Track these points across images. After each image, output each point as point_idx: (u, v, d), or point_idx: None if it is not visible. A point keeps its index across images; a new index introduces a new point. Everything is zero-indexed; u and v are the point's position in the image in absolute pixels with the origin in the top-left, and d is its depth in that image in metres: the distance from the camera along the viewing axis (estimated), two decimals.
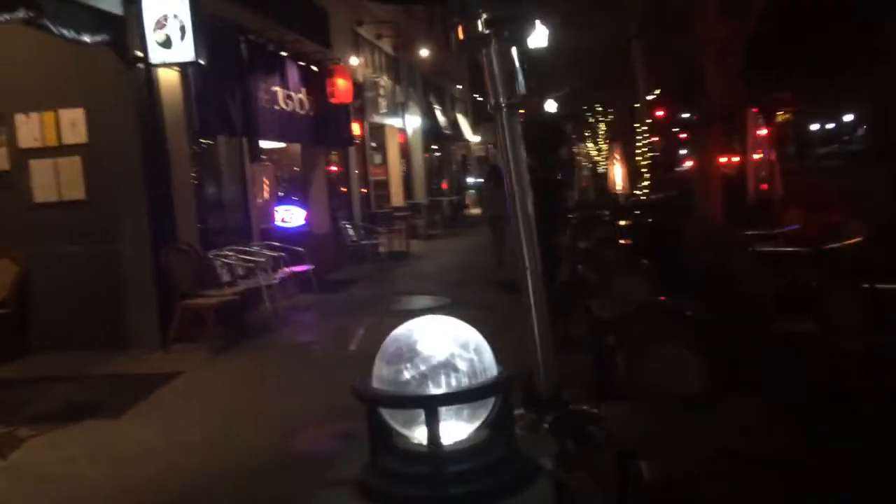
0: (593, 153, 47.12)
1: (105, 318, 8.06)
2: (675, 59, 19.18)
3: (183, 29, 7.95)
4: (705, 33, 10.93)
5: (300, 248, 10.66)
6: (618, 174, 19.29)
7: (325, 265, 12.39)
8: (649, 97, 20.40)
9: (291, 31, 12.15)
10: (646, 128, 20.56)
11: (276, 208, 13.07)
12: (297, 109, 12.19)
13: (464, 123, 30.45)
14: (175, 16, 7.93)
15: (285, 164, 13.93)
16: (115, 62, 7.91)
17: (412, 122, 21.31)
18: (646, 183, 19.64)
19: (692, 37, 11.88)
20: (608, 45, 22.69)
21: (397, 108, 20.02)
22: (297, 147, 13.84)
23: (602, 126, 38.92)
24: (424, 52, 21.05)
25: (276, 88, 11.41)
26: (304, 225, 13.61)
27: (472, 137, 31.84)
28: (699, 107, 12.51)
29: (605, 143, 36.72)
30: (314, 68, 12.84)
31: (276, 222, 12.26)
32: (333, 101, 13.21)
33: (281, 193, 13.26)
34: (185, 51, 7.98)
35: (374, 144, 17.90)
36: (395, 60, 20.06)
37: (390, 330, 1.35)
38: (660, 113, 22.33)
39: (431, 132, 23.62)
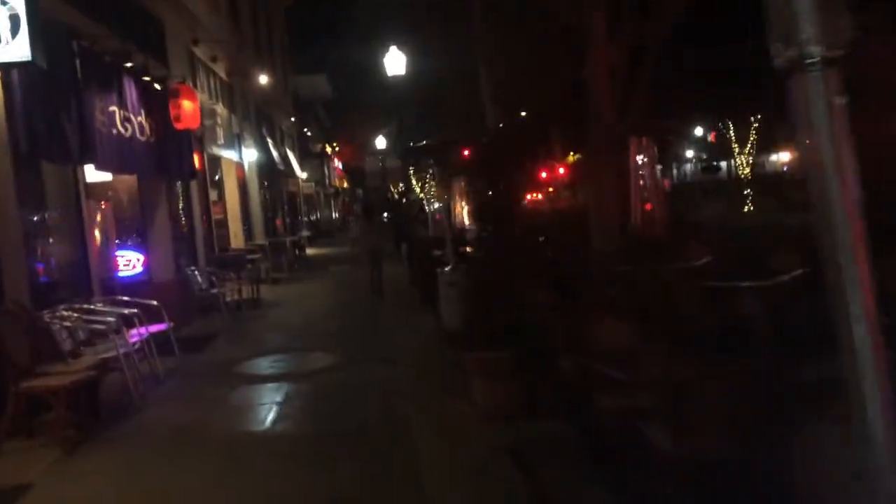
0: (419, 193, 46.94)
1: None
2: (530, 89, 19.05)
3: (15, 20, 5.96)
4: (597, 60, 10.38)
5: (153, 302, 8.63)
6: (461, 210, 18.64)
7: (172, 319, 10.33)
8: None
9: (128, 42, 10.17)
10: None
11: (116, 254, 10.84)
12: (137, 135, 10.14)
13: (293, 159, 28.70)
14: (4, 2, 5.93)
15: (119, 201, 11.66)
16: None
17: (249, 155, 19.40)
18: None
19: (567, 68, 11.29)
20: (452, 75, 22.19)
21: (234, 140, 18.07)
22: (130, 180, 11.64)
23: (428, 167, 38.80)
24: (262, 79, 19.30)
25: (114, 108, 9.35)
26: (142, 273, 11.43)
27: (301, 173, 30.13)
28: (586, 135, 12.03)
29: (432, 181, 36.62)
30: (157, 87, 10.85)
31: (117, 271, 10.07)
32: (178, 125, 11.25)
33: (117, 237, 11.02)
34: (17, 48, 5.98)
35: (215, 178, 15.84)
36: (229, 87, 18.14)
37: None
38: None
39: (266, 167, 21.75)
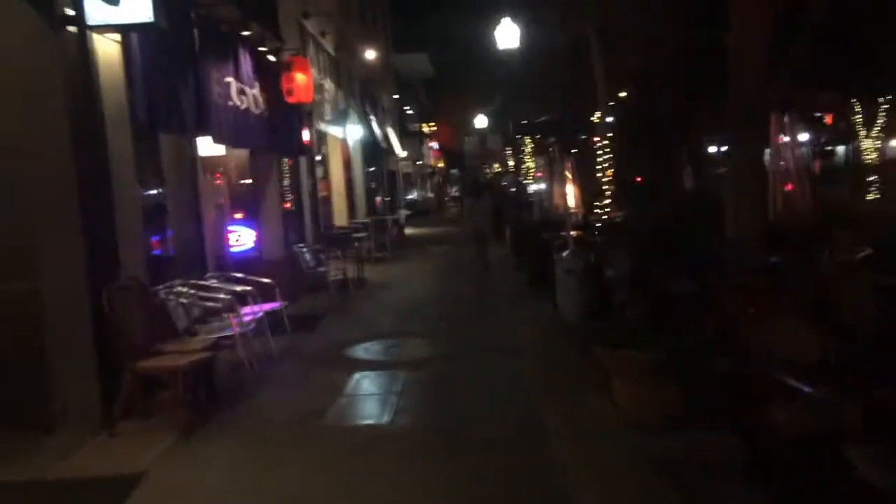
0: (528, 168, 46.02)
1: (21, 386, 5.62)
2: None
3: None
4: (746, 20, 9.36)
5: (267, 280, 8.38)
6: (569, 193, 17.80)
7: (283, 297, 10.11)
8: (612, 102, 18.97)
9: (244, 12, 9.92)
10: (606, 141, 19.22)
11: (228, 230, 10.73)
12: (252, 107, 9.90)
13: (393, 137, 28.49)
14: None
15: (231, 176, 11.55)
16: (35, 22, 5.55)
17: (353, 132, 19.17)
18: (607, 201, 18.24)
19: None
20: (555, 49, 21.25)
21: (340, 116, 17.86)
22: (241, 155, 11.49)
23: (528, 143, 37.81)
24: (369, 54, 19.00)
25: (230, 79, 9.11)
26: (252, 249, 11.28)
27: (401, 152, 29.89)
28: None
29: (532, 160, 35.63)
30: (271, 58, 10.60)
31: (229, 247, 9.92)
32: (290, 99, 11.00)
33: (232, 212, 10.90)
34: (139, 8, 5.69)
35: (318, 156, 15.65)
36: (336, 63, 17.92)
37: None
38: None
39: (369, 144, 21.53)
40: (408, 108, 35.92)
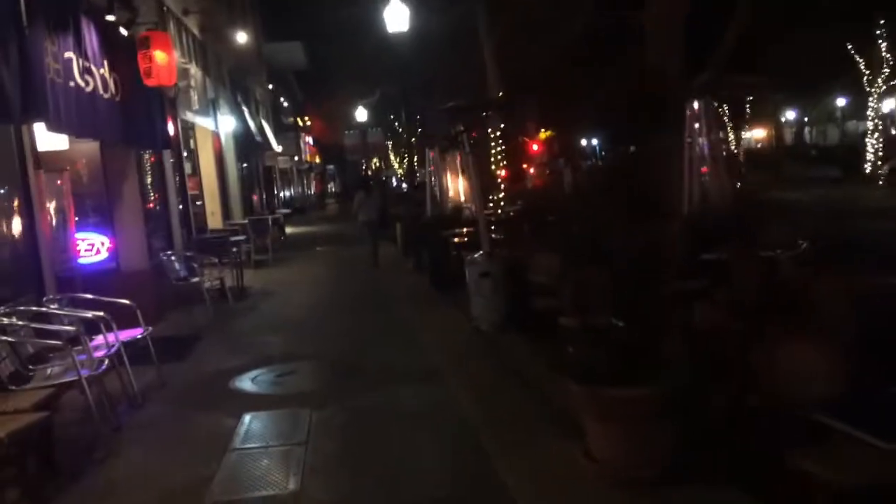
0: (396, 166, 44.70)
1: None
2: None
3: None
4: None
5: (126, 302, 6.76)
6: (459, 186, 16.83)
7: (147, 318, 8.45)
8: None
9: None
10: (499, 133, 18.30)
11: (76, 237, 8.90)
12: (100, 90, 8.18)
13: (268, 131, 26.57)
14: None
15: (79, 173, 9.64)
16: None
17: (225, 124, 17.35)
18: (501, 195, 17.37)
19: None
20: (444, 39, 20.17)
21: (209, 106, 16.02)
22: (91, 148, 9.63)
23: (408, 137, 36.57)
24: (240, 37, 17.21)
25: (71, 55, 7.38)
26: (108, 259, 9.50)
27: (277, 147, 27.99)
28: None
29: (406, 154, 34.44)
30: (123, 31, 8.87)
31: (78, 258, 8.17)
32: (149, 81, 9.29)
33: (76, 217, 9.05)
34: None
35: (185, 152, 13.81)
36: (202, 46, 16.04)
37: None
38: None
39: (243, 138, 19.69)
40: (283, 99, 33.91)
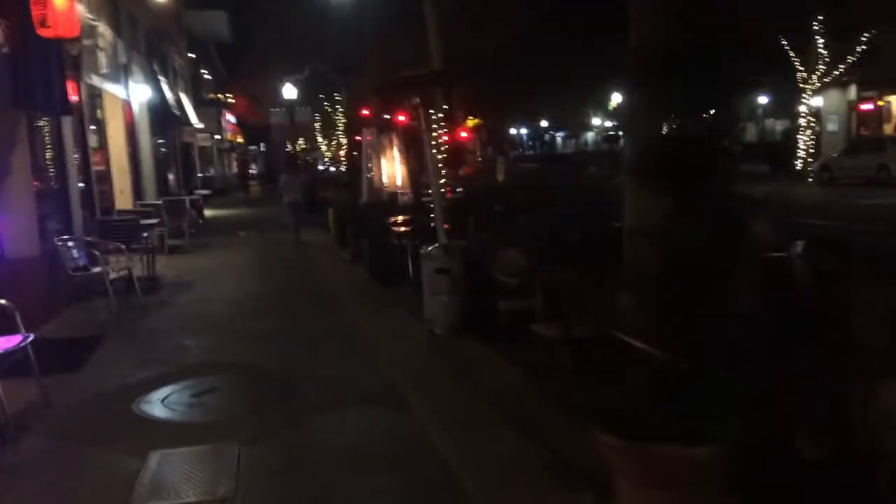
0: (325, 151, 42.99)
1: None
2: None
3: None
4: None
5: (2, 301, 5.35)
6: (396, 171, 15.66)
7: (35, 315, 7.00)
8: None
9: None
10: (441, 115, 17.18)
11: None
12: None
13: (187, 104, 24.65)
14: None
15: None
16: None
17: (139, 93, 15.62)
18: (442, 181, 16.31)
19: None
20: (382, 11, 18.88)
21: (119, 72, 14.29)
22: None
23: (339, 118, 34.97)
24: None
25: None
26: None
27: (197, 122, 26.06)
28: None
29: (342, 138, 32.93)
30: None
31: None
32: (44, 32, 7.75)
33: None
34: None
35: (94, 118, 12.14)
36: (115, 3, 14.28)
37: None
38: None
39: (159, 110, 17.91)
40: (204, 72, 31.81)
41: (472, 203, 13.04)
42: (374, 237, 10.81)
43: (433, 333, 7.23)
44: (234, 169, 51.35)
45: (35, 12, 7.59)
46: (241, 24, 32.38)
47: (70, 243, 8.83)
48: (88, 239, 9.27)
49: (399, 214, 11.39)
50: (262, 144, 61.38)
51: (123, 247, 9.41)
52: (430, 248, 7.66)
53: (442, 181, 15.52)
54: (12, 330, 5.30)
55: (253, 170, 56.15)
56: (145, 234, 10.81)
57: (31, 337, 5.30)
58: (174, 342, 7.26)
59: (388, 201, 13.75)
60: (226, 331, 7.75)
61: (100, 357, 6.80)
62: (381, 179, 15.22)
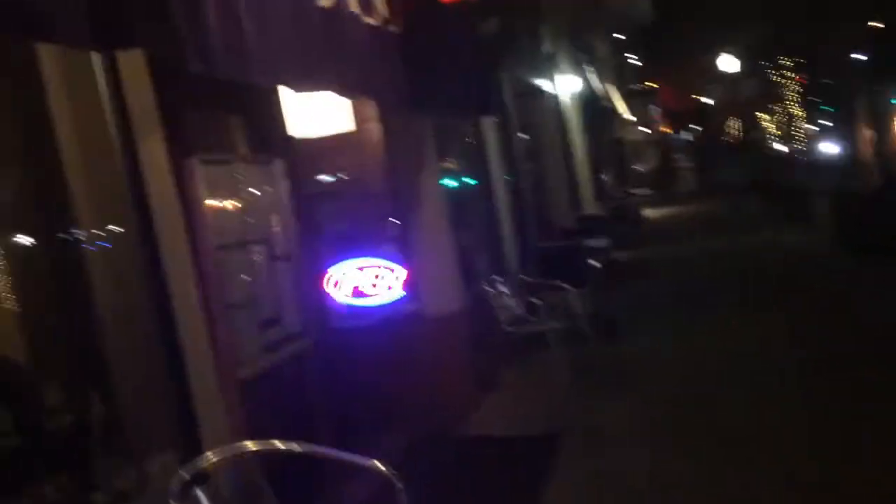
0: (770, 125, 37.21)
1: None
2: None
3: None
4: None
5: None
6: None
7: (459, 393, 4.60)
8: None
9: None
10: None
11: (328, 270, 5.43)
12: (380, 20, 4.51)
13: (616, 96, 22.12)
14: None
15: (318, 160, 6.08)
16: None
17: (565, 85, 13.33)
18: None
19: None
20: None
21: (544, 63, 12.09)
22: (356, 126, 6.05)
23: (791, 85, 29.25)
24: None
25: None
26: (404, 299, 5.82)
27: (628, 114, 23.40)
28: None
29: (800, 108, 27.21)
30: None
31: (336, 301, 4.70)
32: None
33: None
34: None
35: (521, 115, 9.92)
36: None
37: None
38: None
39: (589, 104, 15.53)
40: (632, 58, 29.17)
41: None
42: None
43: None
44: (659, 161, 48.06)
45: None
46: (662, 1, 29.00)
47: (502, 287, 6.43)
48: (526, 279, 6.82)
49: None
50: (686, 132, 57.35)
51: (568, 287, 6.73)
52: None
53: None
54: None
55: (680, 161, 52.29)
56: (591, 262, 8.07)
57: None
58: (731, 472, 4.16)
59: None
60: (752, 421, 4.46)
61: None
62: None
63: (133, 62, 2.92)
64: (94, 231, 2.98)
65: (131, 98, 2.87)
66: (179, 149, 3.09)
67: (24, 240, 2.99)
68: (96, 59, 2.84)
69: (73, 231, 2.99)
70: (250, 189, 3.93)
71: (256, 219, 3.94)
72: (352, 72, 4.27)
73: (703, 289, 9.26)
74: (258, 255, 3.85)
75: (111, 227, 2.96)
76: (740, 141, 31.31)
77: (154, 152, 2.97)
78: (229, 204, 3.68)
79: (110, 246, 2.97)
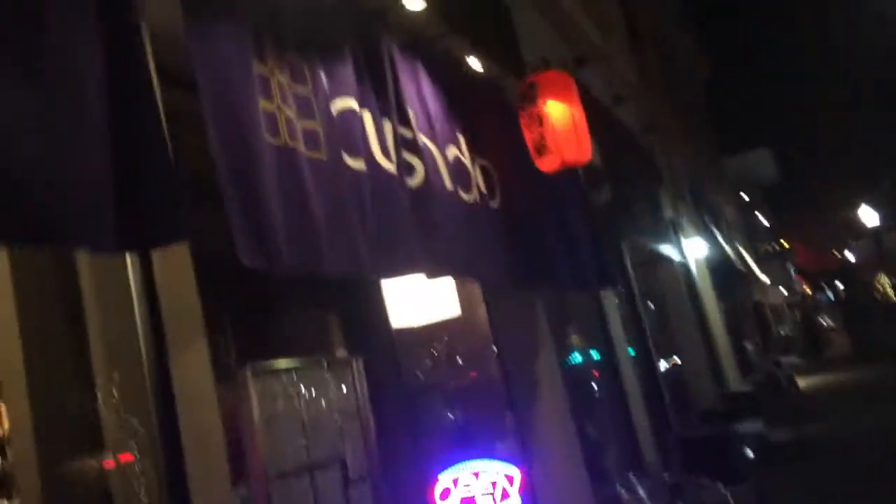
0: None
1: None
2: None
3: None
4: None
5: None
6: None
7: None
8: None
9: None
10: None
11: (437, 476, 4.66)
12: (452, 187, 4.08)
13: (748, 258, 20.93)
14: None
15: (420, 351, 5.49)
16: None
17: (692, 249, 12.52)
18: None
19: None
20: None
21: (666, 227, 11.42)
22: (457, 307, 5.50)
23: None
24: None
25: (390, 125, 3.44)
26: None
27: (763, 277, 22.00)
28: None
29: None
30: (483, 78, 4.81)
31: None
32: (544, 164, 4.93)
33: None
34: None
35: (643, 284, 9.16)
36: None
37: None
38: None
39: (721, 268, 14.55)
40: (760, 217, 28.06)
41: None
42: None
43: None
44: (803, 324, 44.88)
45: (529, 136, 4.84)
46: (790, 157, 28.21)
47: (640, 489, 5.41)
48: (667, 476, 5.77)
49: None
50: (828, 290, 54.02)
51: (721, 486, 5.60)
52: None
53: None
54: None
55: (825, 322, 48.71)
56: (748, 451, 6.87)
57: None
58: None
59: None
60: None
61: None
62: None
63: (173, 255, 2.51)
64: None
65: (167, 298, 2.42)
66: (226, 358, 2.60)
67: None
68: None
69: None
70: (320, 398, 3.37)
71: (325, 435, 3.34)
72: (442, 252, 3.78)
73: (882, 473, 7.67)
74: (328, 480, 3.20)
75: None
76: (890, 298, 28.71)
77: (192, 364, 2.47)
78: (290, 420, 3.11)
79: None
